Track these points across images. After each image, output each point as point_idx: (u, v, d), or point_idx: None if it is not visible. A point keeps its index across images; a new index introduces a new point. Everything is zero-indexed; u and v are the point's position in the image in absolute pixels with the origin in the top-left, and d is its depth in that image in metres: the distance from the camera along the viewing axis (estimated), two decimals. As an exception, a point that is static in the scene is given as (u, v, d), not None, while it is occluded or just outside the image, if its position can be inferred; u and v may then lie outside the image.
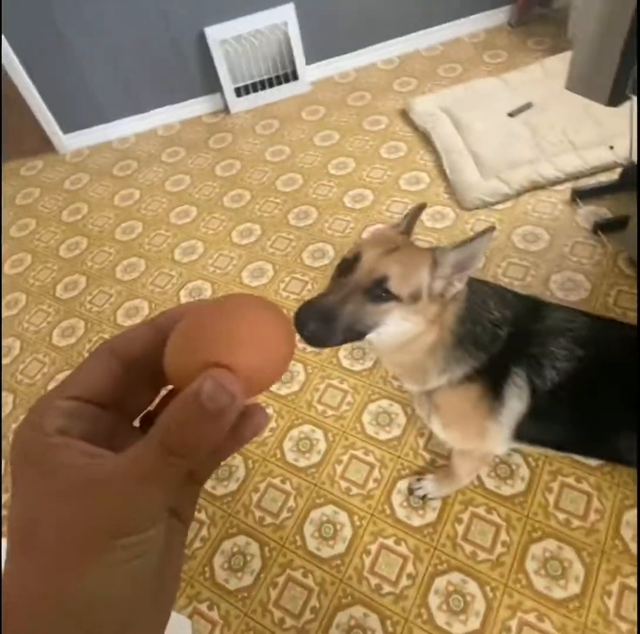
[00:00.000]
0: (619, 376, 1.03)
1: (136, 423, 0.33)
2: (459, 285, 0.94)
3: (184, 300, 2.27)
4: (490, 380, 1.04)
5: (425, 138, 2.70)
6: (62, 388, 0.29)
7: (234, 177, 2.82)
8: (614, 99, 1.37)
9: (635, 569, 1.35)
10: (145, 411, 0.33)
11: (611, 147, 2.25)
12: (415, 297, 0.90)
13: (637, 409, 0.97)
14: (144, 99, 3.22)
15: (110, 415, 0.30)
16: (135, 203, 2.85)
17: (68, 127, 3.24)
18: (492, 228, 0.88)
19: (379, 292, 0.87)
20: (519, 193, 2.31)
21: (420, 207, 1.05)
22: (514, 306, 1.06)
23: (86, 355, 2.15)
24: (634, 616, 1.28)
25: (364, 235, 0.96)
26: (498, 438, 1.14)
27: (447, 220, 2.30)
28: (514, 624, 1.32)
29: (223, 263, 2.38)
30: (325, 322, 0.83)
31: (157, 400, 0.32)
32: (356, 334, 0.89)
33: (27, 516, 0.25)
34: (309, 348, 1.98)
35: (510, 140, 2.48)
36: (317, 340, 0.84)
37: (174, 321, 0.29)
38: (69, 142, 3.30)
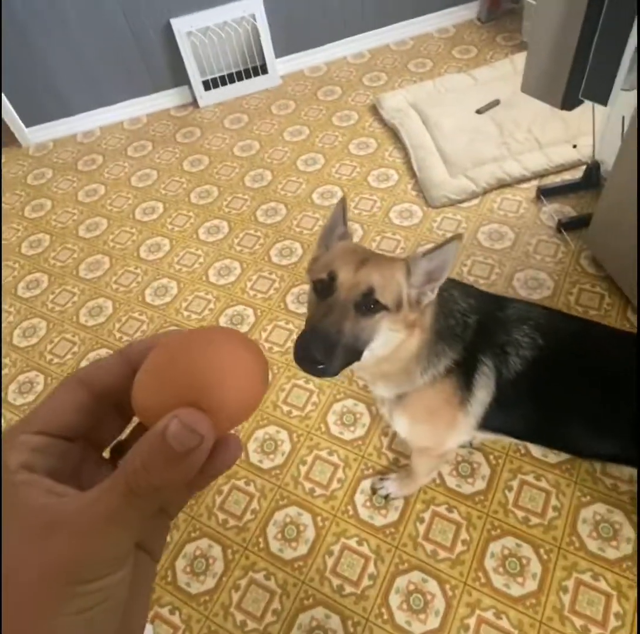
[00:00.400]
0: (573, 367, 1.07)
1: (106, 453, 0.31)
2: (432, 295, 0.94)
3: (148, 298, 2.23)
4: (463, 371, 1.06)
5: (395, 135, 2.69)
6: (28, 422, 0.28)
7: (201, 172, 2.77)
8: (568, 103, 1.38)
9: (591, 565, 1.38)
10: (115, 441, 0.32)
11: (574, 146, 2.28)
12: (398, 305, 0.91)
13: (638, 408, 0.98)
14: (109, 91, 3.14)
15: (79, 448, 0.29)
16: (100, 198, 2.79)
17: (31, 120, 3.15)
18: (459, 236, 0.88)
19: (368, 303, 0.87)
20: (485, 191, 2.32)
21: (342, 200, 1.04)
22: (476, 296, 1.10)
23: (48, 356, 2.11)
24: (589, 612, 1.31)
25: (334, 250, 0.91)
26: (465, 428, 1.16)
27: (414, 217, 2.30)
28: (472, 622, 1.34)
29: (189, 261, 2.34)
30: (330, 347, 0.82)
31: (128, 430, 0.31)
32: (354, 354, 0.88)
33: None
34: (275, 350, 1.97)
35: (478, 137, 2.49)
36: (328, 368, 0.83)
37: (145, 353, 0.28)
38: (32, 136, 3.21)
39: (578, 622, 1.30)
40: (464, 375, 1.06)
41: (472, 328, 1.05)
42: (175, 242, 2.45)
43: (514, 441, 1.48)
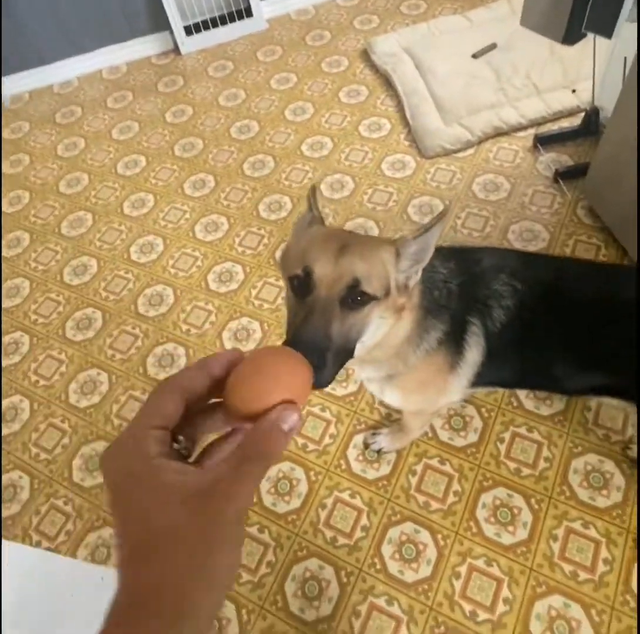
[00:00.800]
0: (554, 305, 1.05)
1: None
2: (417, 277, 0.88)
3: (133, 255, 2.17)
4: (453, 338, 1.03)
5: (387, 81, 2.58)
6: (149, 419, 0.36)
7: (185, 123, 2.65)
8: (570, 37, 1.29)
9: (581, 514, 1.39)
10: (206, 445, 0.41)
11: (573, 91, 2.19)
12: (387, 292, 0.83)
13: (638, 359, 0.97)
14: (85, 37, 2.96)
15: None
16: (81, 153, 2.67)
17: (3, 69, 2.98)
18: (445, 212, 0.81)
19: (355, 296, 0.77)
20: (480, 140, 2.24)
21: (314, 189, 0.94)
22: (453, 257, 1.06)
23: (33, 317, 2.06)
24: (578, 558, 1.33)
25: (305, 238, 0.82)
26: (457, 389, 1.15)
27: (407, 169, 2.22)
28: (463, 570, 1.36)
29: (175, 216, 2.27)
30: (320, 356, 0.70)
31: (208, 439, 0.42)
32: (347, 354, 0.78)
33: (139, 528, 0.31)
34: (265, 307, 1.93)
35: (474, 82, 2.38)
36: (323, 379, 0.70)
37: (224, 368, 0.39)
38: (6, 87, 3.04)
39: (567, 568, 1.32)
40: (454, 341, 1.03)
41: (455, 294, 1.02)
42: (159, 197, 2.36)
43: (505, 390, 1.46)
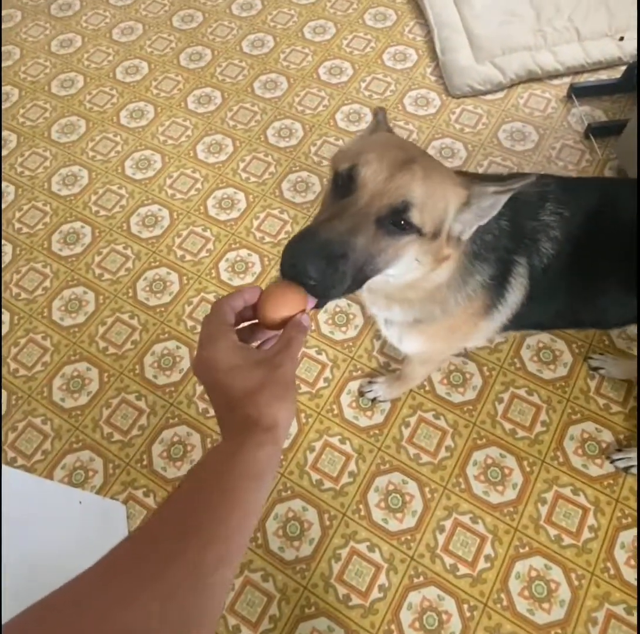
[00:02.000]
0: (604, 230, 0.97)
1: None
2: (469, 232, 0.78)
3: (128, 170, 2.01)
4: (498, 281, 0.94)
5: (418, 7, 2.36)
6: (219, 322, 0.51)
7: (194, 30, 2.42)
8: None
9: (572, 480, 1.38)
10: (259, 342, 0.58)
11: (621, 38, 2.02)
12: (436, 234, 0.72)
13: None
14: None
15: None
16: (77, 51, 2.43)
17: (-8, -57, 2.65)
18: (532, 176, 0.70)
19: (397, 221, 0.67)
20: (512, 84, 2.08)
21: (383, 110, 0.84)
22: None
23: (17, 225, 1.92)
24: (564, 523, 1.33)
25: (370, 139, 0.73)
26: (485, 334, 1.07)
27: (431, 107, 2.07)
28: (448, 524, 1.35)
29: (176, 132, 2.10)
30: (331, 261, 0.60)
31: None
32: (363, 278, 0.68)
33: (208, 356, 0.49)
34: (266, 240, 1.82)
35: (512, 20, 2.18)
36: (323, 288, 0.59)
37: (255, 296, 0.55)
38: (-6, -35, 2.72)
39: (552, 532, 1.32)
40: (498, 283, 0.94)
41: (505, 232, 0.92)
42: (160, 109, 2.17)
43: (537, 332, 1.38)
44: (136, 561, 0.36)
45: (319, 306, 0.60)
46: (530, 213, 0.95)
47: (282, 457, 1.46)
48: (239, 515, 0.40)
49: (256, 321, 0.55)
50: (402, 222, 0.67)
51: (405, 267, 0.75)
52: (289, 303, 0.54)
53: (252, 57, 2.28)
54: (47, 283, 1.78)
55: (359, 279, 0.67)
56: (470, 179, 0.75)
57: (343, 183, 0.69)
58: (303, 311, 0.55)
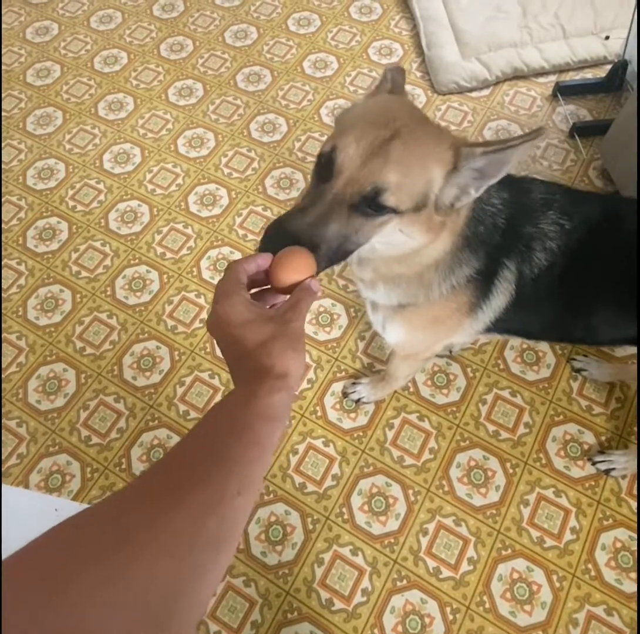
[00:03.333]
0: (604, 248, 0.95)
1: None
2: (474, 194, 0.74)
3: (106, 164, 1.95)
4: (483, 279, 0.92)
5: (404, 1, 2.33)
6: (233, 282, 0.53)
7: (175, 20, 2.35)
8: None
9: (554, 482, 1.38)
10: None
11: (607, 38, 2.02)
12: (418, 207, 0.71)
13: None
14: None
15: None
16: (53, 39, 2.35)
17: None
18: (540, 131, 0.64)
19: (370, 206, 0.68)
20: (498, 81, 2.07)
21: (402, 70, 0.81)
22: (507, 185, 0.92)
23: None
24: (546, 525, 1.33)
25: (359, 108, 0.72)
26: (469, 332, 1.06)
27: (417, 103, 2.04)
28: (431, 526, 1.35)
29: (156, 125, 2.04)
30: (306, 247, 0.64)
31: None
32: (343, 255, 0.72)
33: (222, 311, 0.51)
34: (249, 237, 1.79)
35: (498, 16, 2.16)
36: None
37: (267, 262, 0.58)
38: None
39: (535, 534, 1.32)
40: (483, 282, 0.93)
41: (500, 230, 0.90)
42: (140, 101, 2.11)
43: (522, 339, 1.36)
44: (164, 487, 0.38)
45: None
46: (530, 218, 0.93)
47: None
48: (257, 450, 0.42)
49: (268, 286, 0.59)
50: (375, 208, 0.68)
51: (389, 237, 0.74)
52: (299, 268, 0.58)
53: (234, 49, 2.23)
54: (21, 281, 1.73)
55: (339, 255, 0.71)
56: (462, 140, 0.72)
57: (324, 165, 0.70)
58: (312, 276, 0.59)
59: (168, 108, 2.08)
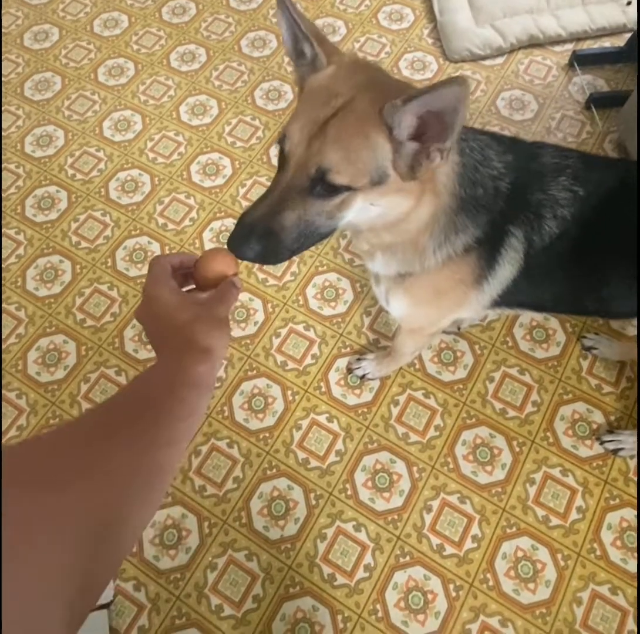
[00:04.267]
0: (620, 216, 0.90)
1: None
2: (439, 160, 0.68)
3: (106, 132, 1.89)
4: (487, 248, 0.89)
5: (416, -36, 2.23)
6: (162, 270, 0.56)
7: (177, -19, 2.26)
8: None
9: (561, 461, 1.36)
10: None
11: (628, 3, 1.93)
12: (377, 180, 0.69)
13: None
14: None
15: None
16: (51, 1, 2.26)
17: None
18: (463, 80, 0.56)
19: (322, 186, 0.68)
20: (513, 49, 1.99)
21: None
22: (513, 149, 0.88)
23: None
24: (552, 504, 1.32)
25: (304, 93, 0.72)
26: (476, 307, 1.02)
27: (428, 70, 1.97)
28: (435, 504, 1.33)
29: (157, 91, 1.97)
30: (266, 240, 0.68)
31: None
32: (313, 239, 0.73)
33: (153, 293, 0.54)
34: (254, 206, 1.74)
35: (514, -20, 2.07)
36: (264, 260, 0.70)
37: (191, 261, 0.61)
38: None
39: (540, 512, 1.31)
40: (487, 252, 0.89)
41: (503, 195, 0.86)
42: (141, 66, 2.04)
43: (532, 312, 1.33)
44: (101, 429, 0.41)
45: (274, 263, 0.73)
46: (539, 183, 0.88)
47: (268, 435, 1.42)
48: (185, 410, 0.46)
49: (192, 286, 0.62)
50: (327, 188, 0.68)
51: (364, 213, 0.73)
52: (222, 264, 0.61)
53: (239, 13, 2.15)
54: (20, 251, 1.69)
55: (308, 241, 0.72)
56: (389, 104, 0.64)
57: (280, 154, 0.71)
58: (236, 274, 0.62)
59: (170, 74, 2.01)
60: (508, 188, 0.86)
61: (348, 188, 0.68)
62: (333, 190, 0.68)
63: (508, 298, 0.99)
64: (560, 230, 0.88)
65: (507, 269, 0.92)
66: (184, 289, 0.60)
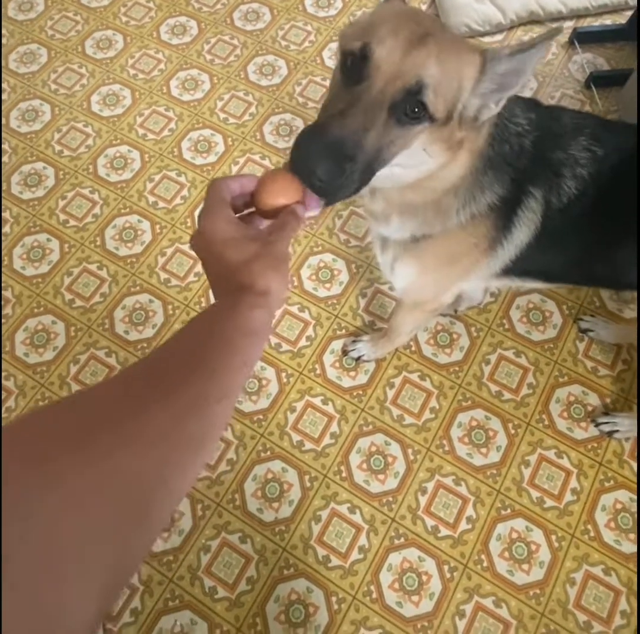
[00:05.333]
0: (634, 180, 0.88)
1: None
2: (495, 109, 0.69)
3: (94, 106, 1.83)
4: (507, 208, 0.86)
5: None
6: (217, 199, 0.51)
7: (167, -50, 2.18)
8: None
9: (556, 443, 1.36)
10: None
11: (631, -21, 1.89)
12: (448, 116, 0.66)
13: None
14: None
15: None
16: (35, -31, 2.18)
17: None
18: (557, 29, 0.60)
19: (411, 106, 0.62)
20: (512, 25, 1.95)
21: None
22: (533, 108, 0.87)
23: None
24: (547, 486, 1.31)
25: (379, 11, 0.70)
26: (485, 274, 1.00)
27: (425, 47, 1.92)
28: (430, 486, 1.33)
29: (147, 65, 1.91)
30: (341, 163, 0.58)
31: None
32: (370, 174, 0.65)
33: (206, 227, 0.50)
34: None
35: (515, -47, 2.02)
36: (331, 189, 0.59)
37: (252, 184, 0.55)
38: None
39: (535, 494, 1.31)
40: (506, 211, 0.86)
41: (527, 153, 0.84)
42: (130, 39, 1.97)
43: (540, 285, 1.28)
44: (148, 383, 0.38)
45: (327, 204, 0.61)
46: (559, 142, 0.86)
47: (262, 417, 1.40)
48: (238, 360, 0.42)
49: (253, 209, 0.56)
50: (416, 109, 0.62)
51: (412, 159, 0.69)
52: (286, 192, 0.55)
53: (231, -16, 2.08)
54: (6, 229, 1.64)
55: (367, 176, 0.65)
56: (492, 49, 0.67)
57: (354, 65, 0.63)
58: (299, 202, 0.56)
59: (160, 48, 1.95)
60: (531, 146, 0.85)
61: (430, 118, 0.63)
62: (417, 116, 0.63)
63: (519, 265, 0.97)
64: (578, 191, 0.87)
65: (523, 231, 0.90)
66: (245, 212, 0.56)
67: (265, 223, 0.57)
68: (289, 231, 0.52)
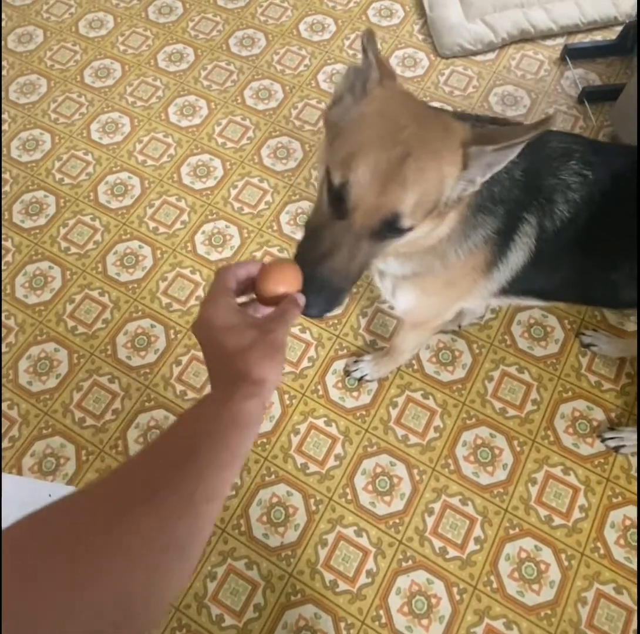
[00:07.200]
0: (627, 202, 0.89)
1: None
2: (481, 181, 0.70)
3: (94, 134, 1.86)
4: (502, 236, 0.88)
5: (404, -41, 2.21)
6: (221, 288, 0.54)
7: (162, -20, 2.23)
8: None
9: (563, 460, 1.35)
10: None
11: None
12: (428, 213, 0.69)
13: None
14: None
15: None
16: (35, 2, 2.22)
17: None
18: (550, 120, 0.60)
19: (387, 231, 0.67)
20: (504, 44, 1.97)
21: (370, 33, 0.69)
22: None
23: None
24: (555, 504, 1.30)
25: (359, 124, 0.67)
26: (483, 294, 1.01)
27: (419, 67, 1.95)
28: (437, 506, 1.31)
29: (145, 93, 1.94)
30: (335, 294, 0.68)
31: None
32: (359, 277, 0.74)
33: (207, 314, 0.52)
34: (245, 211, 1.71)
35: (504, -26, 2.06)
36: (332, 309, 0.69)
37: (256, 270, 0.58)
38: None
39: (543, 512, 1.29)
40: (501, 239, 0.88)
41: (518, 184, 0.86)
42: (128, 67, 2.01)
43: (538, 303, 1.31)
44: (135, 484, 0.39)
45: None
46: (550, 169, 0.88)
47: (265, 441, 1.40)
48: (227, 456, 0.43)
49: (253, 296, 0.59)
50: (392, 232, 0.68)
51: (403, 241, 0.73)
52: (286, 280, 0.58)
53: (227, 11, 2.12)
54: (8, 258, 1.65)
55: (358, 276, 0.72)
56: (471, 136, 0.67)
57: (337, 199, 0.66)
58: (299, 290, 0.59)
59: (158, 75, 1.98)
60: (521, 175, 0.86)
61: (409, 230, 0.68)
62: (398, 231, 0.67)
63: (516, 285, 0.99)
64: (571, 214, 0.88)
65: (518, 255, 0.91)
66: (245, 298, 0.59)
67: (266, 310, 0.59)
68: (288, 318, 0.54)
